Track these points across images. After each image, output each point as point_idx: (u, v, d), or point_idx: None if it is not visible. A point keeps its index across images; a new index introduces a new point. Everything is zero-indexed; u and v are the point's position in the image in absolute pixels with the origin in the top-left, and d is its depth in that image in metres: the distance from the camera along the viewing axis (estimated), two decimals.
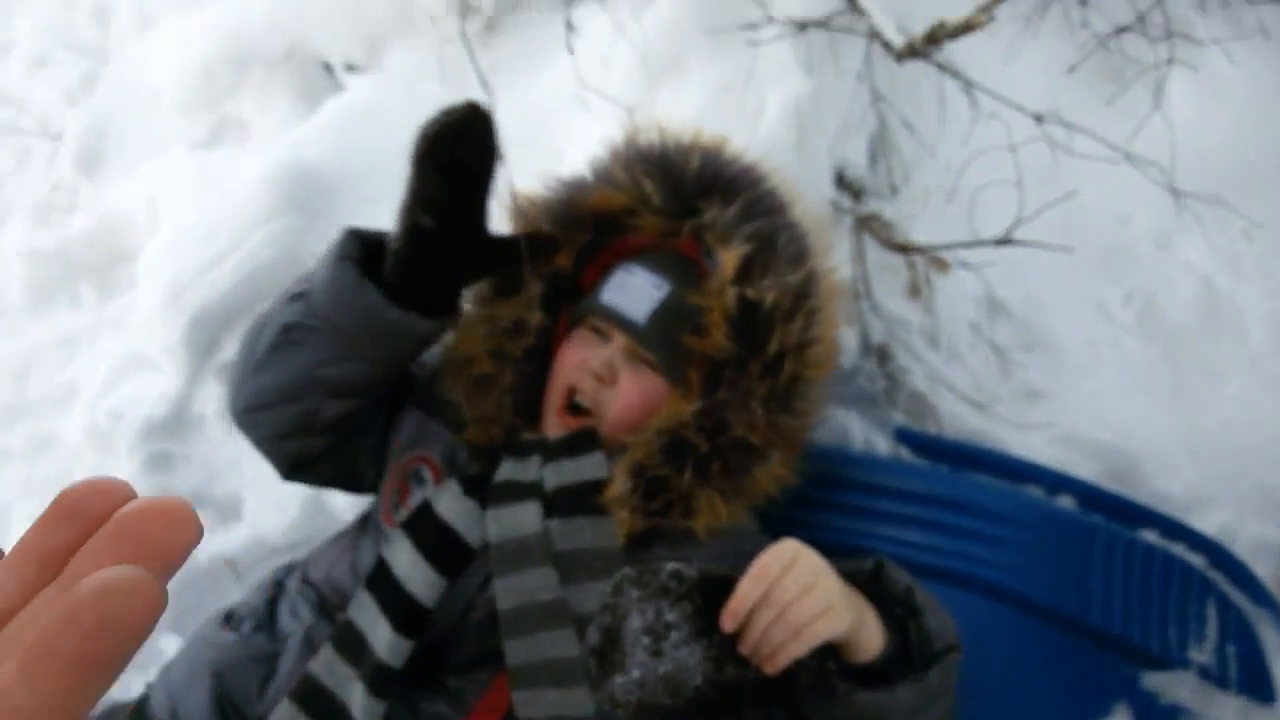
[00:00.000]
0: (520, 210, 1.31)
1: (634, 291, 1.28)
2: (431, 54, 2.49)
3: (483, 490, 1.23)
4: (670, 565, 0.96)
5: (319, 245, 1.95)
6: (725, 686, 1.00)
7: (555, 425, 1.28)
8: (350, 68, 2.64)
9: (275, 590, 1.34)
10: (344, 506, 1.83)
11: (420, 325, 1.22)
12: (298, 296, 1.27)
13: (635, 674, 0.94)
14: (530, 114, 2.28)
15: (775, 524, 1.33)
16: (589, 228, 1.33)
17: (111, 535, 0.30)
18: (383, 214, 1.90)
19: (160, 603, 0.27)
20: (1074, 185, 1.79)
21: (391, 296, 1.20)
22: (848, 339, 1.60)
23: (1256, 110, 2.04)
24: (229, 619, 1.32)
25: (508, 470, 1.23)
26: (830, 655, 1.05)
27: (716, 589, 0.97)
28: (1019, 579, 1.39)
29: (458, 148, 1.13)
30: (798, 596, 0.96)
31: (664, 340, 1.26)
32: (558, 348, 1.32)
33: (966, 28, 1.36)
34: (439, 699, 1.17)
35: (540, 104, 2.33)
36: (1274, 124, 2.03)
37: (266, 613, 1.32)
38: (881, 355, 1.61)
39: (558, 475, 1.22)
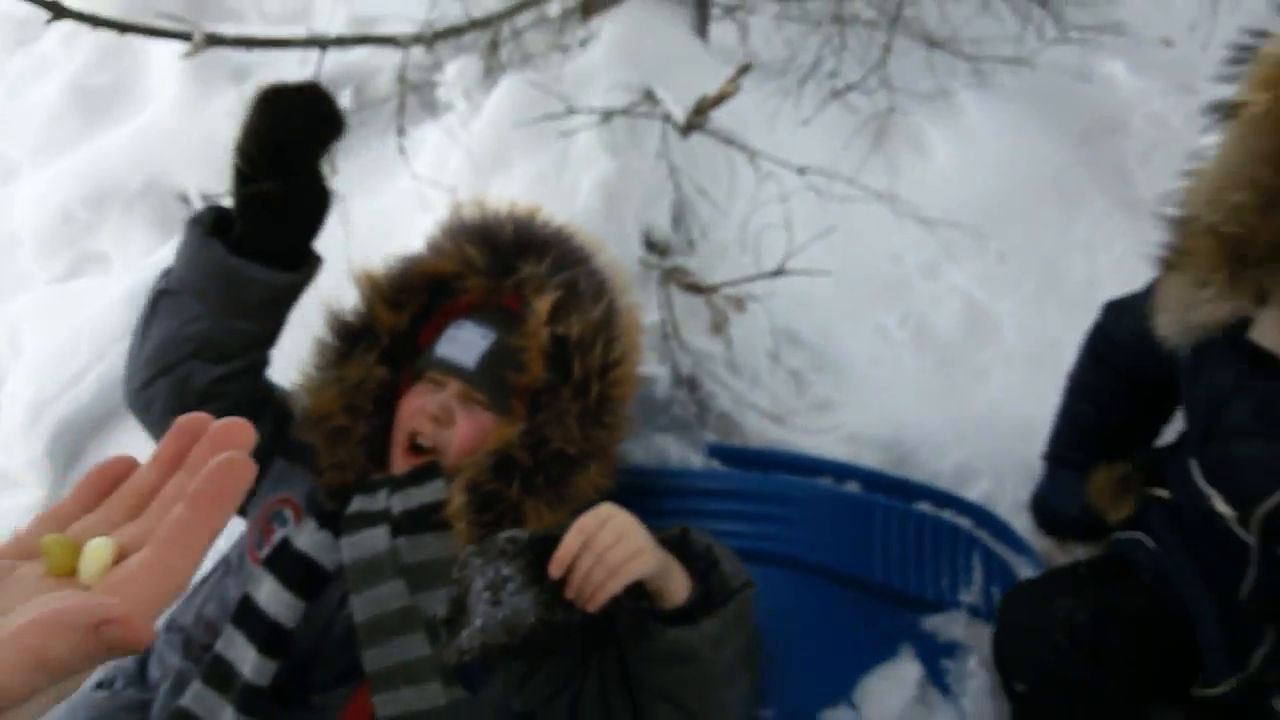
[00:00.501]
0: (365, 282, 1.52)
1: (464, 343, 1.49)
2: None
3: (336, 523, 1.41)
4: (506, 532, 1.17)
5: None
6: (556, 627, 1.21)
7: (401, 465, 1.47)
8: (205, 196, 2.84)
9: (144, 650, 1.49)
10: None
11: (266, 275, 1.38)
12: (166, 270, 1.44)
13: (478, 623, 1.14)
14: (379, 220, 2.53)
15: None
16: (423, 292, 1.55)
17: (209, 439, 0.52)
18: None
19: (252, 468, 0.50)
20: (845, 226, 2.11)
21: (235, 248, 1.36)
22: (660, 374, 1.85)
23: (1007, 156, 2.42)
24: (100, 684, 1.46)
25: (358, 504, 1.42)
26: (644, 599, 1.26)
27: (546, 546, 1.17)
28: (812, 551, 1.64)
29: (290, 104, 1.30)
30: (612, 544, 1.17)
31: (492, 381, 1.47)
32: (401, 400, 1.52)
33: (721, 97, 1.66)
34: (307, 717, 1.33)
35: (388, 210, 2.59)
36: (1020, 167, 2.40)
37: (136, 670, 1.46)
38: (691, 385, 1.87)
39: (403, 501, 1.41)
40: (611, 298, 1.52)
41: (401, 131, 2.12)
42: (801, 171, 1.92)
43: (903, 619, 1.64)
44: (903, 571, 1.66)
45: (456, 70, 2.44)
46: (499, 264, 1.51)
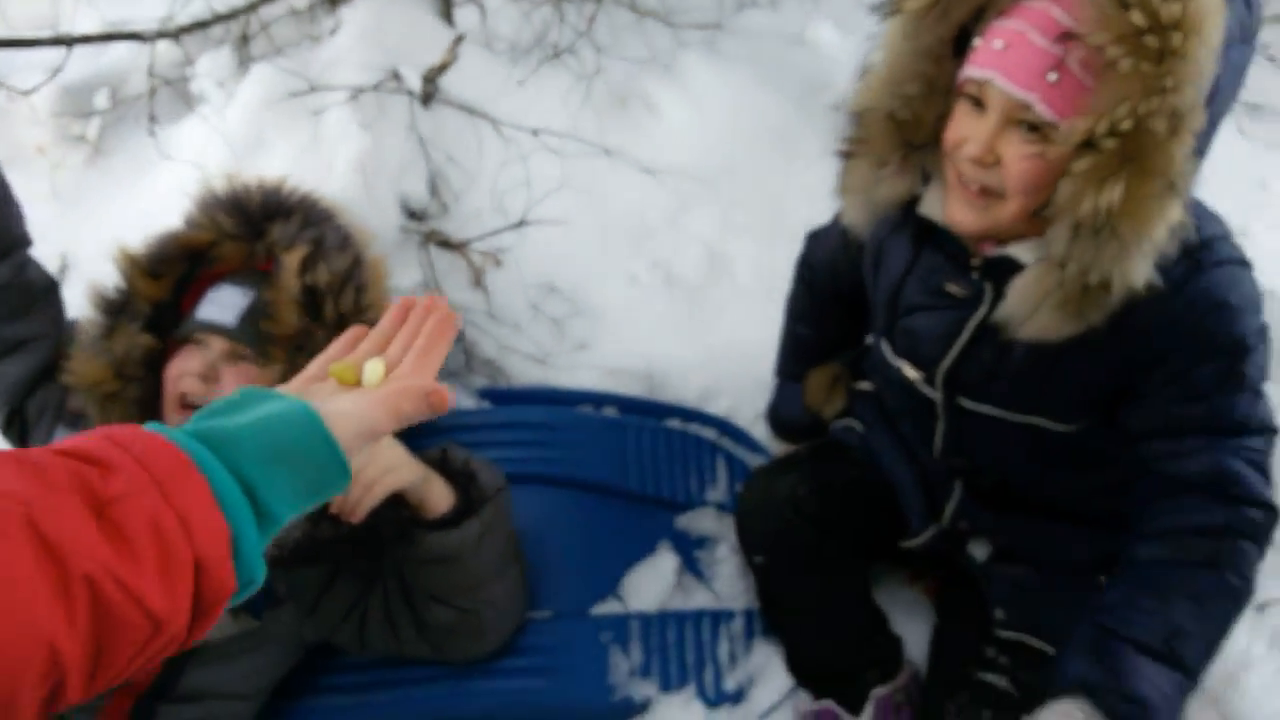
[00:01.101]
0: (123, 258, 1.61)
1: (223, 304, 1.59)
2: (44, 179, 2.72)
3: None
4: None
5: None
6: (324, 541, 1.36)
7: (174, 423, 1.57)
8: None
9: None
10: None
11: None
12: None
13: None
14: (144, 218, 2.56)
15: None
16: (181, 262, 1.65)
17: (422, 308, 0.81)
18: None
19: (457, 320, 0.82)
20: (594, 185, 2.33)
21: None
22: None
23: (734, 115, 2.67)
24: None
25: None
26: (406, 510, 1.42)
27: None
28: (573, 469, 1.85)
29: None
30: (365, 463, 1.32)
31: (254, 334, 1.58)
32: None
33: (443, 67, 1.82)
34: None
35: (151, 210, 2.62)
36: (746, 124, 2.66)
37: None
38: (457, 336, 2.03)
39: None
40: (357, 250, 1.66)
41: (153, 118, 2.19)
42: (535, 133, 2.11)
43: (659, 519, 1.86)
44: (655, 479, 1.89)
45: (209, 63, 2.51)
46: (250, 229, 1.62)
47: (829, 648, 1.72)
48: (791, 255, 1.88)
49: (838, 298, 1.82)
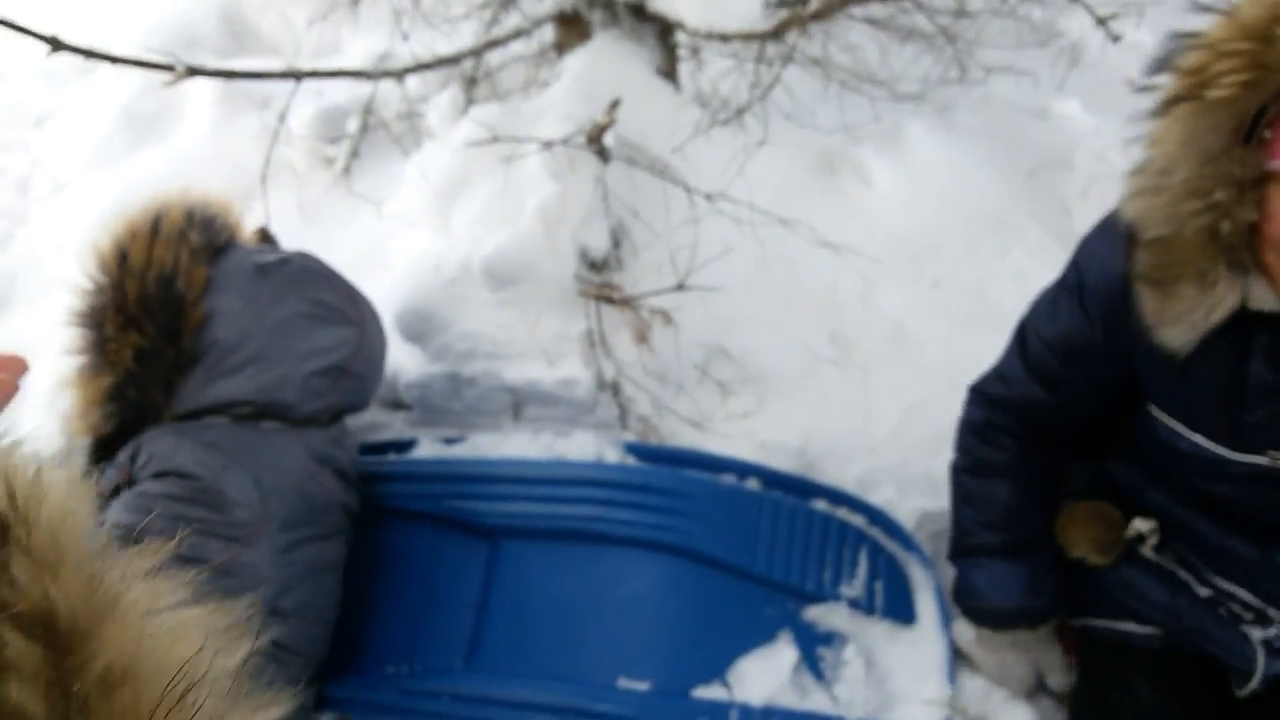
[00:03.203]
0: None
1: None
2: (294, 196, 2.97)
3: None
4: None
5: None
6: None
7: None
8: None
9: None
10: None
11: None
12: None
13: None
14: (379, 233, 2.74)
15: (521, 515, 1.80)
16: None
17: None
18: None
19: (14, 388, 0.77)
20: (784, 252, 2.26)
21: None
22: (585, 377, 2.02)
23: (951, 189, 2.53)
24: None
25: None
26: None
27: None
28: (698, 540, 1.77)
29: None
30: None
31: None
32: None
33: (603, 128, 1.83)
34: None
35: (386, 226, 2.80)
36: (963, 200, 2.51)
37: None
38: (614, 388, 2.02)
39: None
40: None
41: (355, 154, 2.33)
42: (709, 198, 2.07)
43: (785, 607, 1.76)
44: (787, 563, 1.79)
45: (444, 101, 2.65)
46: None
47: None
48: (991, 341, 1.70)
49: (1034, 431, 1.62)
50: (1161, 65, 1.18)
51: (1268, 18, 1.09)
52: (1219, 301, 1.23)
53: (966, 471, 1.68)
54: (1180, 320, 1.26)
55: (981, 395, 1.66)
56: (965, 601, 1.70)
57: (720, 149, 2.42)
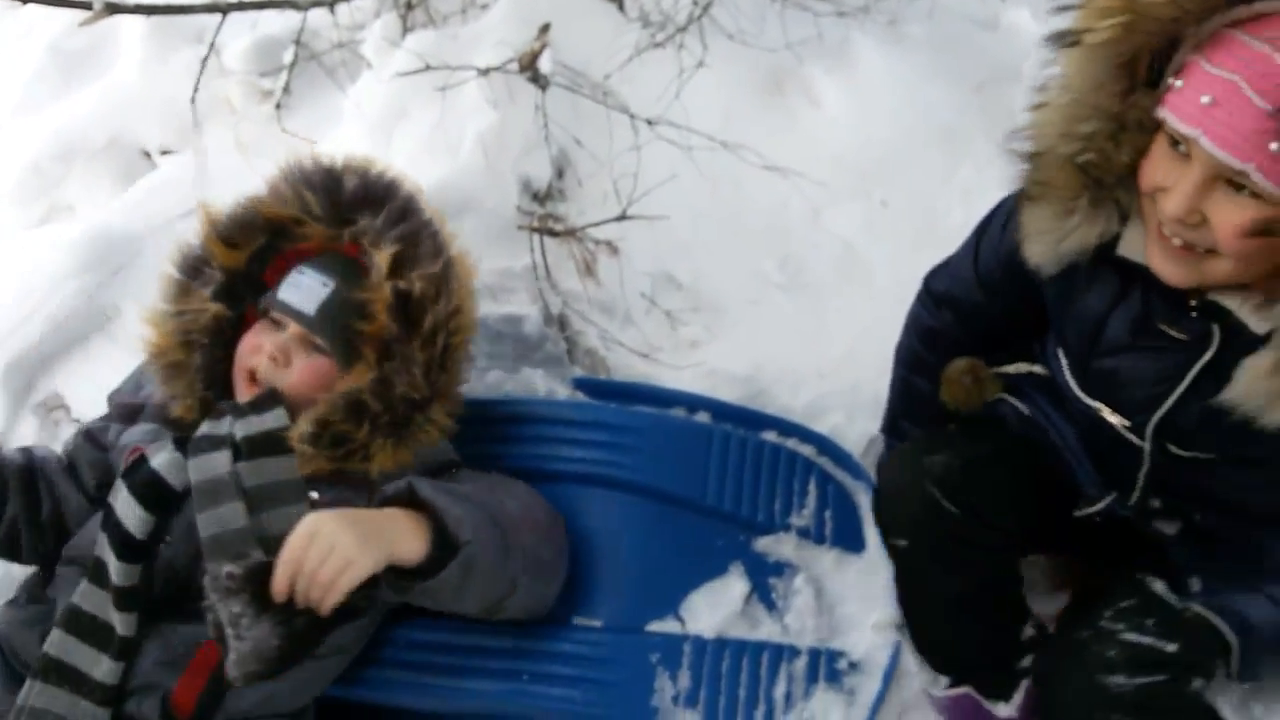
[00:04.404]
0: (204, 218, 1.65)
1: (305, 289, 1.61)
2: (230, 133, 2.88)
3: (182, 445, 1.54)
4: (224, 569, 1.29)
5: (116, 293, 2.31)
6: (301, 634, 1.34)
7: (244, 394, 1.61)
8: (165, 151, 3.01)
9: (46, 574, 1.64)
10: None
11: None
12: None
13: (233, 656, 1.30)
14: None
15: (472, 457, 1.72)
16: (261, 233, 1.67)
17: None
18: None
19: None
20: (732, 174, 2.22)
21: None
22: (531, 313, 1.98)
23: (900, 106, 2.48)
24: (9, 602, 1.63)
25: (205, 428, 1.56)
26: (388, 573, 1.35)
27: (264, 575, 1.29)
28: (647, 475, 1.76)
29: None
30: (320, 562, 1.27)
31: (331, 327, 1.60)
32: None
33: (534, 55, 1.78)
34: (193, 621, 1.46)
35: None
36: (912, 117, 2.47)
37: (39, 588, 1.62)
38: (561, 323, 1.99)
39: (245, 428, 1.54)
40: (447, 252, 1.64)
41: (287, 89, 2.25)
42: (650, 123, 2.02)
43: (735, 540, 1.76)
44: (737, 495, 1.78)
45: (380, 29, 2.56)
46: (336, 214, 1.63)
47: (972, 636, 1.63)
48: (936, 260, 1.72)
49: (972, 335, 1.64)
50: None
51: None
52: (1070, 232, 1.23)
53: (903, 364, 1.77)
54: (1035, 239, 1.28)
55: (929, 293, 1.69)
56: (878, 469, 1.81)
57: (664, 70, 2.36)
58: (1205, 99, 1.04)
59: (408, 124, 2.27)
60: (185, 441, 1.55)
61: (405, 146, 2.26)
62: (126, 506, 1.50)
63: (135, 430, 1.67)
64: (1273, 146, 1.00)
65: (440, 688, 1.63)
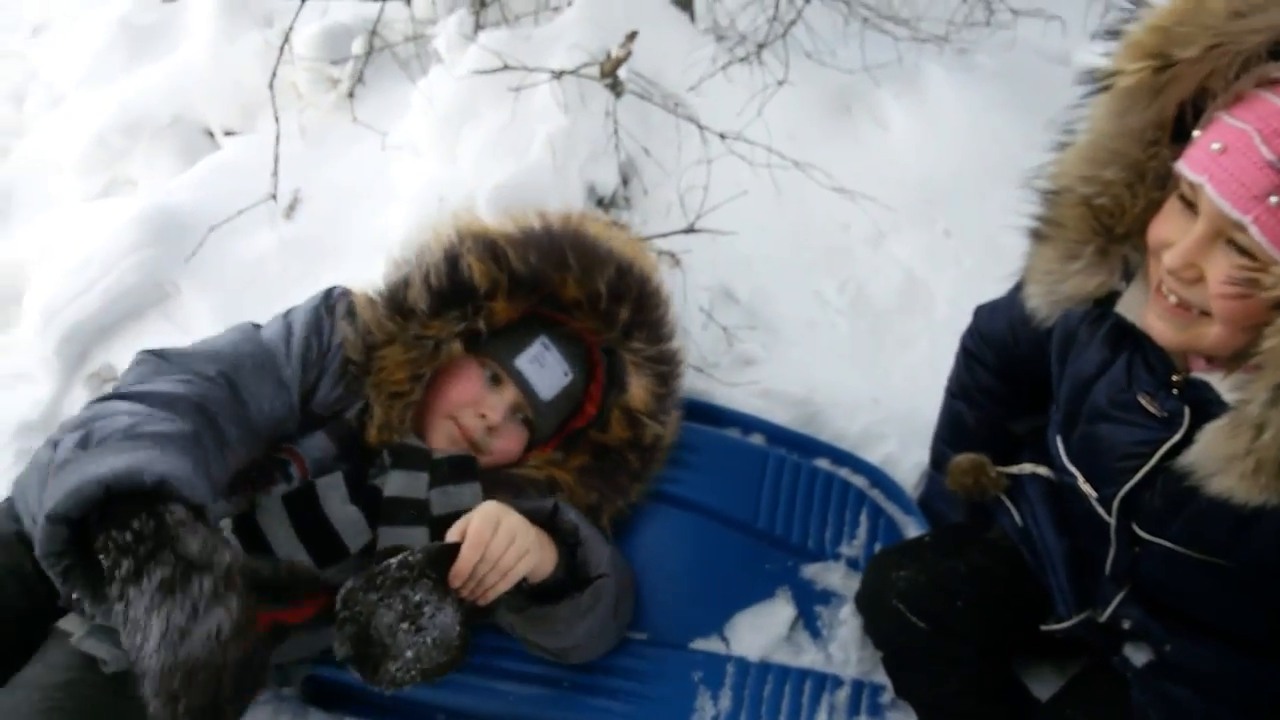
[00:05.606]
0: (491, 269, 1.53)
1: (548, 370, 1.60)
2: (295, 119, 2.89)
3: (364, 493, 1.49)
4: (394, 560, 1.23)
5: (175, 271, 2.32)
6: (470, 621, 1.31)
7: (440, 439, 1.57)
8: (228, 132, 3.03)
9: None
10: None
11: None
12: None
13: (409, 654, 1.22)
14: (383, 160, 2.67)
15: None
16: (537, 298, 1.60)
17: None
18: (232, 244, 2.27)
19: None
20: (798, 193, 2.21)
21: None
22: None
23: (968, 135, 2.46)
24: None
25: (398, 485, 1.49)
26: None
27: (441, 558, 1.25)
28: (701, 494, 1.76)
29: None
30: (504, 548, 1.28)
31: (552, 417, 1.64)
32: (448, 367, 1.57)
33: (618, 62, 1.77)
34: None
35: (390, 153, 2.73)
36: (980, 147, 2.44)
37: None
38: None
39: (443, 502, 1.50)
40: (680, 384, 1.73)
41: (361, 79, 2.26)
42: (724, 137, 2.01)
43: (783, 564, 1.75)
44: (788, 520, 1.77)
45: (453, 24, 2.56)
46: (595, 302, 1.60)
47: None
48: (1000, 293, 1.69)
49: (1007, 379, 1.63)
50: (1112, 33, 1.15)
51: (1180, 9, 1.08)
52: (1070, 275, 1.21)
53: (950, 391, 1.75)
54: (1036, 280, 1.26)
55: (976, 328, 1.68)
56: (922, 507, 1.84)
57: (736, 86, 2.35)
58: (1215, 146, 1.03)
59: (477, 122, 2.26)
60: (357, 476, 1.51)
61: (473, 144, 2.26)
62: (288, 540, 1.48)
63: (314, 441, 1.55)
64: (1272, 200, 0.99)
65: (476, 688, 1.63)
